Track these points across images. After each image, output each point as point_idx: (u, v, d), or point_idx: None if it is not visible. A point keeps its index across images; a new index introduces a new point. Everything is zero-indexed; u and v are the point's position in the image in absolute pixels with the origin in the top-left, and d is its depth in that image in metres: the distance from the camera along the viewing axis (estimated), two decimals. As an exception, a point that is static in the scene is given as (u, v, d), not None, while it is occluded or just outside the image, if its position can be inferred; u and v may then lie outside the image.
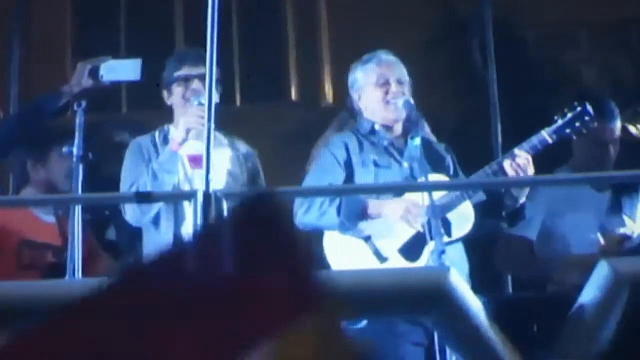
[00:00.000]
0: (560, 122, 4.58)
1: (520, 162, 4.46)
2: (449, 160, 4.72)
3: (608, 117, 4.94)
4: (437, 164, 4.60)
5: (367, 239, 4.55)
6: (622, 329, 2.82)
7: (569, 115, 4.59)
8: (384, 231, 4.55)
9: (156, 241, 4.58)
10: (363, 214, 4.54)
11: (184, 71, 4.71)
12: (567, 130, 4.60)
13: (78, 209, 4.26)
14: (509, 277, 5.20)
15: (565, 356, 2.92)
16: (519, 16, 9.79)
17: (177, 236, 4.55)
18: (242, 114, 10.14)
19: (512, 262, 4.96)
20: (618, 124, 4.98)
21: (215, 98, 4.46)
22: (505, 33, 8.34)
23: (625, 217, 4.85)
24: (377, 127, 4.71)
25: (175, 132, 4.71)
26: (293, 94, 10.99)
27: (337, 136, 4.78)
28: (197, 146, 4.52)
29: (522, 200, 4.56)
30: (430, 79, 5.38)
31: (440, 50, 9.80)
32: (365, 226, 4.55)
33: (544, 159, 4.70)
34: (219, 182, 4.53)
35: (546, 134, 4.56)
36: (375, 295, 2.95)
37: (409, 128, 4.71)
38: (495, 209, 4.59)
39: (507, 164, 4.49)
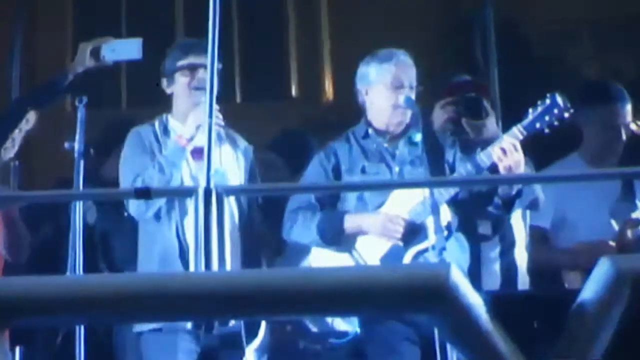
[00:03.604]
0: (530, 117, 4.53)
1: (505, 147, 4.43)
2: (450, 155, 4.70)
3: (615, 99, 4.90)
4: (435, 161, 4.60)
5: (350, 250, 4.57)
6: (624, 327, 2.82)
7: (539, 109, 4.54)
8: (366, 242, 4.58)
9: (157, 235, 4.57)
10: (340, 230, 4.56)
11: (190, 60, 4.69)
12: (537, 125, 4.52)
13: (79, 205, 4.26)
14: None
15: (566, 353, 2.91)
16: (521, 14, 9.78)
17: (180, 232, 4.55)
18: (243, 111, 10.13)
19: (529, 253, 4.96)
20: (628, 107, 4.94)
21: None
22: (507, 31, 8.34)
23: (638, 202, 4.83)
24: (370, 131, 4.71)
25: (175, 123, 4.70)
26: (294, 91, 10.99)
27: (330, 144, 4.79)
28: (200, 139, 4.54)
29: (518, 187, 4.54)
30: (431, 77, 5.37)
31: (442, 48, 9.79)
32: (348, 238, 4.58)
33: (554, 145, 4.68)
34: (231, 178, 4.54)
35: (517, 130, 4.52)
36: (375, 293, 2.94)
37: (408, 127, 4.71)
38: (489, 197, 4.58)
39: (495, 150, 4.46)
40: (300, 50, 10.98)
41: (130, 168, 4.61)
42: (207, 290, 2.67)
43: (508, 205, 4.57)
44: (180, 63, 4.70)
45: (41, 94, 4.79)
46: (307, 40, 10.94)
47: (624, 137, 4.94)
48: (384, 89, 4.67)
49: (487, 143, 4.69)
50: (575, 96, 5.00)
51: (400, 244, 4.50)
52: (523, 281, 4.92)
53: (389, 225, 4.50)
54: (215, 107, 4.45)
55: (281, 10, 11.08)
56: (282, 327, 4.94)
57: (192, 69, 4.69)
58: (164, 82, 4.79)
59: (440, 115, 4.96)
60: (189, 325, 4.40)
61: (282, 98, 10.86)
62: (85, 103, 4.40)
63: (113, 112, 9.77)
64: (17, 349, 4.64)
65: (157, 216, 4.58)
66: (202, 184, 3.16)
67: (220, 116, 4.52)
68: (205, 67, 4.62)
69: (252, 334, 4.63)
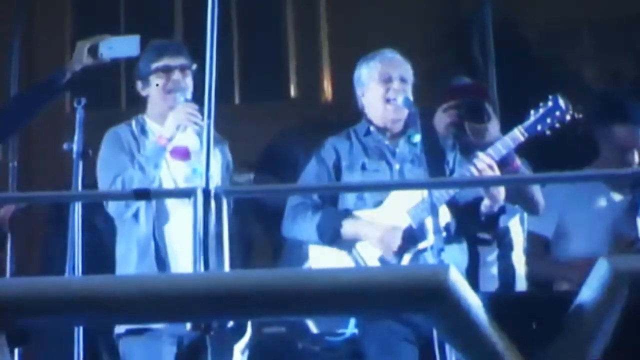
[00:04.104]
0: (532, 119, 4.50)
1: (479, 166, 4.41)
2: (451, 157, 4.70)
3: (632, 121, 4.86)
4: (435, 162, 4.59)
5: (350, 248, 4.57)
6: (622, 328, 2.82)
7: (540, 111, 4.50)
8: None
9: (133, 236, 4.57)
10: (339, 231, 4.56)
11: (165, 62, 4.68)
12: (539, 127, 4.49)
13: (78, 206, 4.26)
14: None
15: (564, 354, 2.91)
16: (521, 14, 9.79)
17: (157, 233, 4.55)
18: (242, 112, 10.12)
19: (528, 260, 4.95)
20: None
21: (188, 95, 4.52)
22: (506, 31, 8.34)
23: (639, 220, 4.80)
24: (372, 128, 4.72)
25: (152, 123, 4.71)
26: (292, 92, 10.99)
27: (330, 140, 4.79)
28: (180, 138, 4.57)
29: (500, 204, 4.51)
30: (430, 78, 5.37)
31: (440, 48, 9.80)
32: (350, 240, 4.58)
33: (571, 157, 4.67)
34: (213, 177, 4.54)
35: (518, 132, 4.50)
36: (374, 293, 2.95)
37: (408, 126, 4.71)
38: (473, 213, 4.57)
39: (471, 169, 4.45)
40: (299, 51, 10.99)
41: (110, 168, 4.60)
42: (206, 291, 2.67)
43: (491, 222, 4.56)
44: (155, 65, 4.69)
45: (39, 92, 4.77)
46: (306, 41, 10.94)
47: (636, 159, 4.91)
48: (375, 85, 4.70)
49: (489, 147, 4.67)
50: (594, 111, 4.99)
51: (394, 259, 4.49)
52: (520, 285, 4.92)
53: (386, 239, 4.50)
54: (194, 105, 4.48)
55: (280, 10, 11.09)
56: (261, 328, 4.93)
57: (167, 70, 4.68)
58: (139, 84, 4.77)
59: (442, 119, 4.96)
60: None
61: (281, 98, 10.87)
62: (84, 104, 4.40)
63: (112, 113, 9.77)
64: (16, 350, 4.63)
65: (136, 217, 4.58)
66: (198, 184, 3.16)
67: (199, 116, 4.52)
68: (180, 68, 4.64)
69: (239, 332, 4.63)
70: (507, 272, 4.87)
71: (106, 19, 10.63)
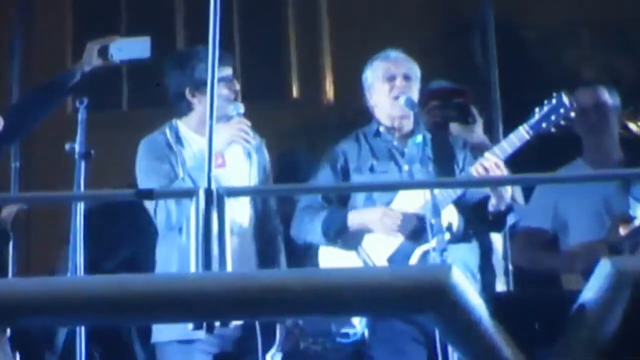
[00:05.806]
0: (536, 116, 4.49)
1: (486, 165, 4.41)
2: (461, 157, 4.69)
3: (587, 84, 4.94)
4: (445, 161, 4.60)
5: (358, 249, 4.58)
6: (624, 328, 2.82)
7: (545, 108, 4.50)
8: (373, 241, 4.58)
9: (175, 245, 4.52)
10: (344, 227, 4.56)
11: (228, 72, 4.64)
12: (544, 125, 4.48)
13: (80, 207, 4.26)
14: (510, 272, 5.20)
15: (566, 355, 2.92)
16: (521, 16, 9.79)
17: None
18: (244, 112, 10.11)
19: (531, 256, 4.96)
20: (601, 89, 4.96)
21: (242, 109, 4.48)
22: (507, 33, 8.34)
23: (631, 199, 4.82)
24: (381, 129, 4.72)
25: (188, 132, 4.64)
26: (294, 92, 10.99)
27: (339, 144, 4.80)
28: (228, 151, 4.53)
29: (507, 203, 4.51)
30: (431, 79, 5.38)
31: (442, 49, 9.80)
32: (355, 237, 4.58)
33: (559, 152, 4.69)
34: (238, 179, 4.52)
35: (524, 131, 4.49)
36: (376, 293, 2.95)
37: (414, 126, 4.72)
38: (482, 211, 4.57)
39: (476, 167, 4.44)
40: (300, 52, 10.99)
41: (156, 179, 4.50)
42: (206, 292, 2.67)
43: (499, 221, 4.56)
44: (220, 74, 4.63)
45: (47, 92, 4.75)
46: (308, 42, 10.94)
47: (596, 118, 4.96)
48: (379, 84, 4.71)
49: (474, 148, 4.69)
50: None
51: (401, 237, 4.49)
52: (498, 284, 4.94)
53: (385, 220, 4.50)
54: (247, 122, 4.45)
55: (281, 11, 11.09)
56: (293, 329, 4.92)
57: (230, 80, 4.67)
58: (194, 92, 4.69)
59: (426, 120, 4.98)
60: (201, 334, 4.34)
61: (283, 99, 10.87)
62: (86, 104, 4.39)
63: (114, 114, 9.77)
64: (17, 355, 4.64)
65: (180, 227, 4.53)
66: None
67: (251, 134, 4.51)
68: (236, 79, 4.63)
69: (269, 338, 4.58)
70: (487, 273, 4.87)
71: (107, 19, 10.63)
